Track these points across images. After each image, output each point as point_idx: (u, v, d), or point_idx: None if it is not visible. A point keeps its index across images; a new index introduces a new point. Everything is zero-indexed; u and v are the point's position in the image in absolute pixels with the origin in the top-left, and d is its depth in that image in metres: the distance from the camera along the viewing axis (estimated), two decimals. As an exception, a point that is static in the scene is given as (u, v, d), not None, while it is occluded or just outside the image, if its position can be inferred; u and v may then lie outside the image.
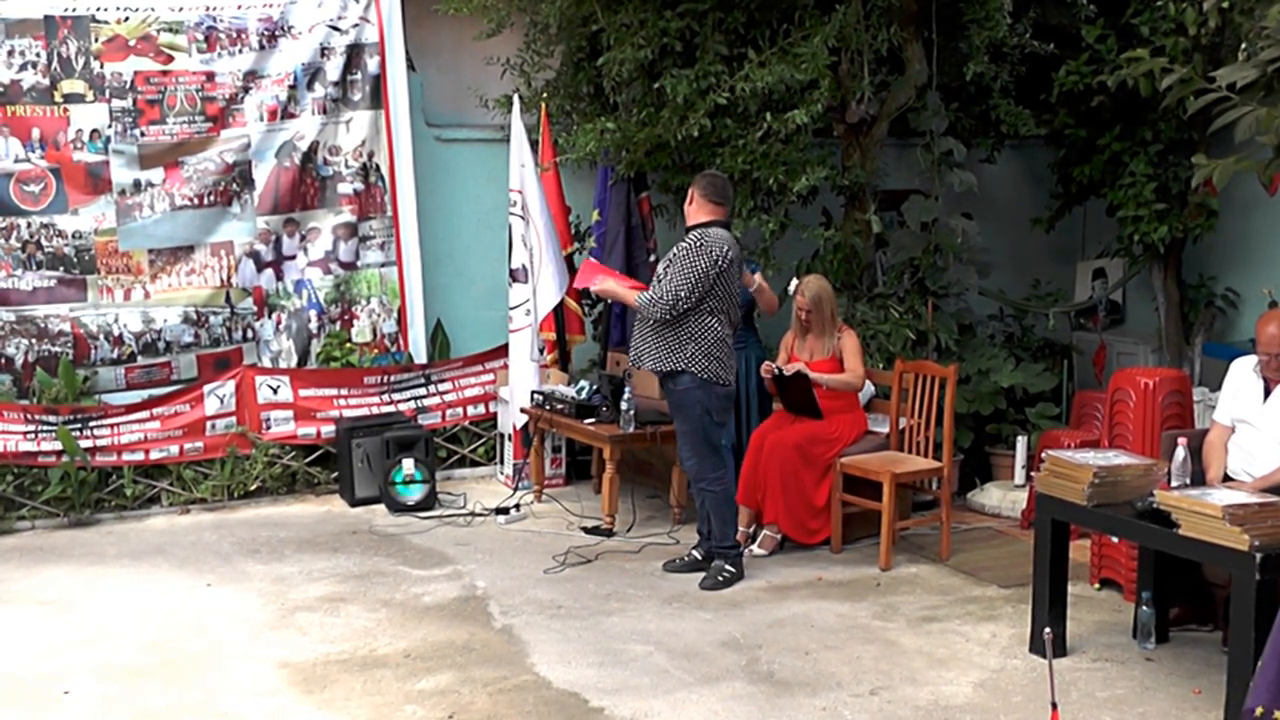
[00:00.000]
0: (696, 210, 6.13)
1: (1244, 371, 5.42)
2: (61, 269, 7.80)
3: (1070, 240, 9.75)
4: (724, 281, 6.02)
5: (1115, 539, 5.88)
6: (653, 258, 8.10)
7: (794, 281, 7.04)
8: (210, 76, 8.07)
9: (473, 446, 8.61)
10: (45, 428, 7.42)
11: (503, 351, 8.37)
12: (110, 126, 7.88)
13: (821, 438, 6.72)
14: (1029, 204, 9.55)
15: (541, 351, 8.08)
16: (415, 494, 7.65)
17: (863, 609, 5.89)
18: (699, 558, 6.40)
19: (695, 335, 6.03)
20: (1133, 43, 7.11)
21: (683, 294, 5.92)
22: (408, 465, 7.63)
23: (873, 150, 8.17)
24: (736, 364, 7.12)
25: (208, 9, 8.04)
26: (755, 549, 6.71)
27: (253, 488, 7.86)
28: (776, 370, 6.75)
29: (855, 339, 6.86)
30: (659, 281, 6.06)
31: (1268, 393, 5.29)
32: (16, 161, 7.68)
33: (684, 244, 6.01)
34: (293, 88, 8.23)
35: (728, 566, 6.23)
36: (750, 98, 7.27)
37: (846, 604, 5.95)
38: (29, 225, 7.72)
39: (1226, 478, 5.32)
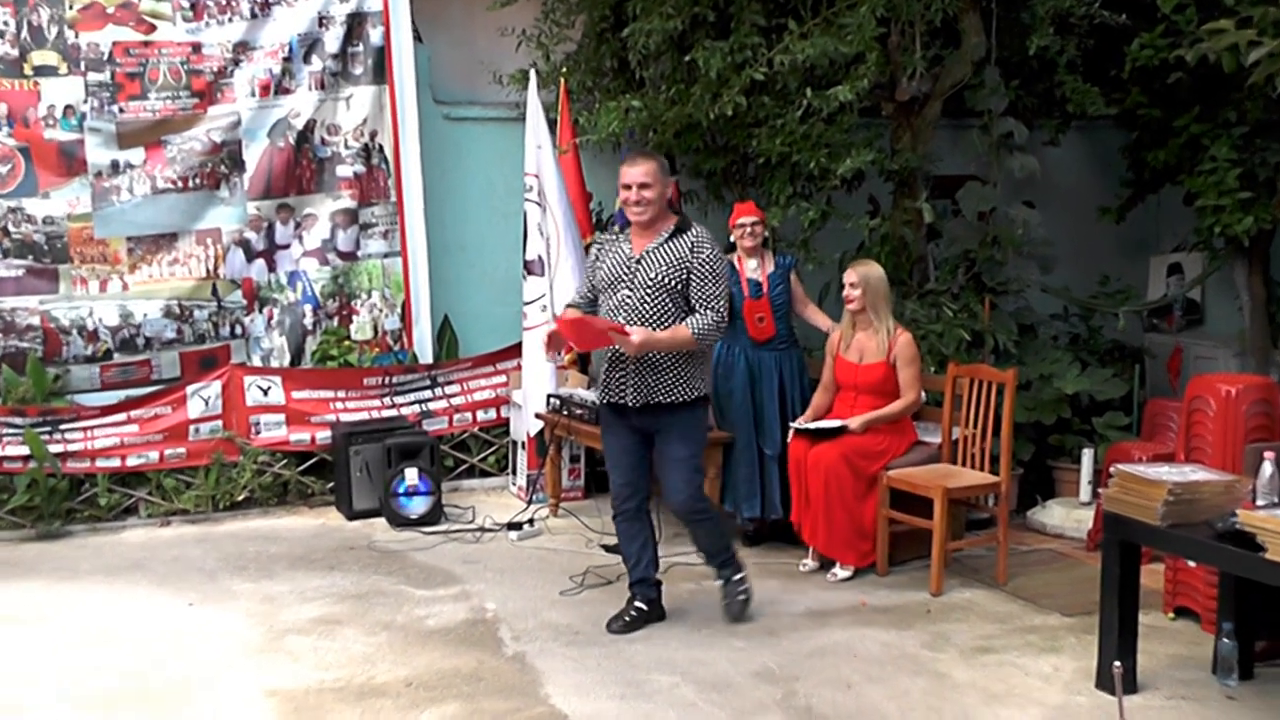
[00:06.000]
0: (664, 199, 5.81)
1: None
2: (31, 257, 7.82)
3: (1143, 232, 9.70)
4: None
5: (1192, 564, 5.82)
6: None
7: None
8: (197, 48, 8.08)
9: (482, 455, 8.62)
10: (11, 431, 7.45)
11: (516, 351, 8.37)
12: (86, 102, 7.90)
13: (867, 450, 6.70)
14: (1097, 192, 9.51)
15: (559, 352, 8.06)
16: (419, 507, 7.66)
17: (910, 638, 5.86)
18: (644, 608, 6.01)
19: (705, 352, 5.88)
20: (1215, 13, 7.05)
21: (723, 308, 5.75)
22: (411, 475, 7.64)
23: (925, 132, 8.15)
24: (771, 367, 7.15)
25: (195, -27, 8.09)
26: (809, 562, 6.85)
27: (240, 498, 7.88)
28: (804, 427, 6.77)
29: (913, 346, 6.81)
30: (697, 294, 5.69)
31: None
32: (-17, 140, 7.74)
33: (704, 249, 5.71)
34: (287, 60, 8.25)
35: (736, 579, 6.07)
36: (790, 73, 7.26)
37: (893, 632, 5.93)
38: (-4, 209, 7.77)
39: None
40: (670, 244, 5.73)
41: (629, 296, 5.71)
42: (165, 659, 5.56)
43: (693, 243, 5.72)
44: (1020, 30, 8.11)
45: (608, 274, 5.81)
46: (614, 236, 5.97)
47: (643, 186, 5.70)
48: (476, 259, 8.85)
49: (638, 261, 5.73)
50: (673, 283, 5.68)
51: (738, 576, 6.11)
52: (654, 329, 5.64)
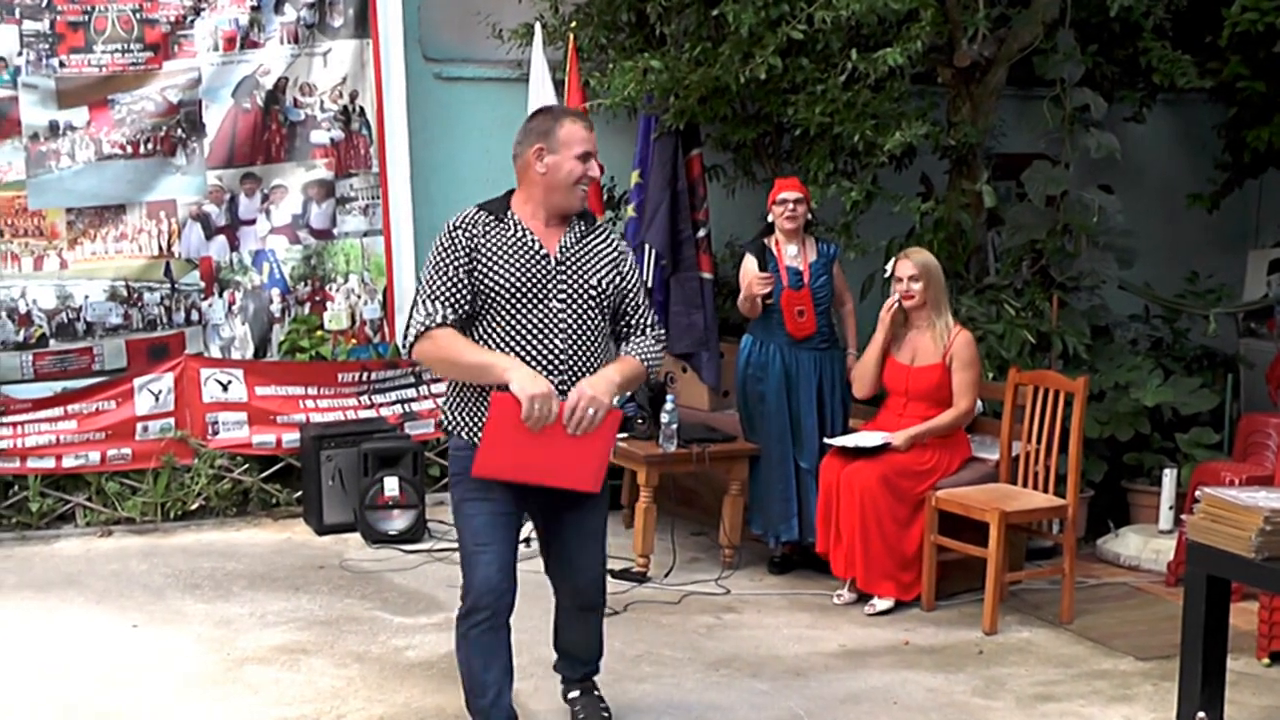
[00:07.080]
0: None
1: None
2: (-46, 230, 7.88)
3: (1240, 223, 9.70)
4: None
5: (1289, 602, 5.83)
6: (701, 232, 8.06)
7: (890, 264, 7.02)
8: (152, -8, 8.14)
9: (471, 465, 8.61)
10: (-71, 425, 7.51)
11: (512, 346, 8.37)
12: (20, 54, 7.92)
13: (912, 469, 6.69)
14: (1187, 176, 9.50)
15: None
16: (399, 521, 7.69)
17: (960, 683, 5.85)
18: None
19: None
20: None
21: (662, 327, 5.29)
22: (391, 485, 7.66)
23: (987, 102, 8.15)
24: (810, 369, 7.13)
25: (150, -93, 8.12)
26: (845, 594, 6.82)
27: (193, 507, 7.92)
28: (841, 444, 6.78)
29: (973, 347, 6.83)
30: (634, 309, 4.87)
31: None
32: (-98, 96, 7.78)
33: (626, 247, 5.00)
34: (256, 9, 8.26)
35: (598, 694, 5.45)
36: (832, 31, 7.23)
37: (939, 676, 5.92)
38: (-84, 175, 7.81)
39: None
40: (591, 239, 4.79)
41: (562, 312, 4.62)
42: (103, 689, 5.54)
43: (614, 239, 4.89)
44: (1100, -14, 8.12)
45: (515, 277, 4.59)
46: (485, 219, 4.73)
47: (591, 157, 4.73)
48: (469, 240, 8.85)
49: (559, 262, 4.64)
50: (613, 292, 4.76)
51: (598, 692, 5.38)
52: (593, 360, 4.70)
